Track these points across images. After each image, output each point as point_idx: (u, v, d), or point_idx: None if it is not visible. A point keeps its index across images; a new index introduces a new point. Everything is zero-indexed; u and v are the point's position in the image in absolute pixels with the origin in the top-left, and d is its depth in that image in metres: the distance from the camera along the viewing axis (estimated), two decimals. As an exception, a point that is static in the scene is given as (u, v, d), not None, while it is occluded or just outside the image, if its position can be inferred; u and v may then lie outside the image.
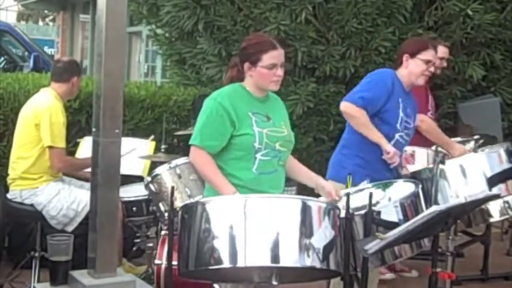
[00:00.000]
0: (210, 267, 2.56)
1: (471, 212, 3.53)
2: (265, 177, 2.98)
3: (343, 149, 3.81)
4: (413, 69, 3.72)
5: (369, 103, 3.61)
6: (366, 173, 3.57)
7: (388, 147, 3.57)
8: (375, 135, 3.61)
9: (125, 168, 4.21)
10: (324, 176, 3.92)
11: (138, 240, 4.71)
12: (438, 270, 2.94)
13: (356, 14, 6.04)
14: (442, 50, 4.89)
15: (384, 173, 3.62)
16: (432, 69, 3.77)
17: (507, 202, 3.62)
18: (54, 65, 4.65)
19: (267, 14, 6.02)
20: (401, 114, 3.67)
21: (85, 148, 4.78)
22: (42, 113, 4.18)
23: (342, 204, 2.87)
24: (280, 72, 2.98)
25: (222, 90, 3.05)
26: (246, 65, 3.00)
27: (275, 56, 2.97)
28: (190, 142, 3.02)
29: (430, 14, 6.29)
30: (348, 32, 6.11)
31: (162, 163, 4.31)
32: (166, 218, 4.02)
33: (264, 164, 2.98)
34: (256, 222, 2.52)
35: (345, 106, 3.66)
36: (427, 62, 3.72)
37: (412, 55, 3.72)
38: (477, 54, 6.48)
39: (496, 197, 3.35)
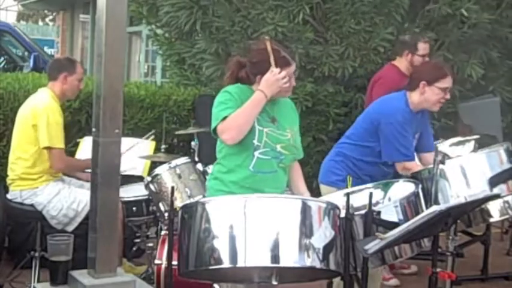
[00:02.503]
0: (210, 267, 2.56)
1: (471, 212, 3.53)
2: (262, 176, 2.99)
3: (337, 156, 3.85)
4: (429, 97, 3.68)
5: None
6: (354, 181, 3.59)
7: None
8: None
9: (125, 168, 4.21)
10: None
11: (138, 240, 4.71)
12: (438, 270, 2.94)
13: (353, 13, 6.04)
14: (423, 47, 4.90)
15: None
16: (448, 96, 3.73)
17: (507, 202, 3.61)
18: (49, 64, 4.66)
19: (264, 15, 6.02)
20: None
21: (85, 148, 4.78)
22: (40, 113, 4.16)
23: (342, 204, 2.87)
24: (292, 82, 3.03)
25: (231, 86, 3.07)
26: (259, 77, 3.01)
27: (288, 70, 3.00)
28: (212, 127, 2.97)
29: (424, 13, 6.28)
30: (346, 32, 6.11)
31: (162, 163, 4.31)
32: (166, 218, 4.02)
33: (262, 162, 2.98)
34: (256, 222, 2.52)
35: (411, 166, 3.65)
36: (445, 89, 3.68)
37: (430, 83, 3.66)
38: (474, 53, 6.48)
39: (496, 197, 3.34)
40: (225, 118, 2.92)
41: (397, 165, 3.70)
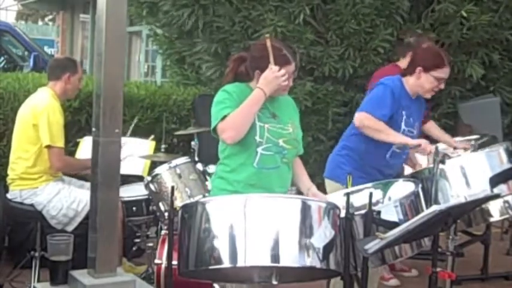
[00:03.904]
0: (210, 267, 2.56)
1: (471, 211, 3.53)
2: (266, 172, 2.99)
3: (342, 150, 3.83)
4: (423, 84, 3.68)
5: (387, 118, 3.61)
6: (360, 175, 3.59)
7: (414, 142, 3.55)
8: (398, 138, 3.57)
9: (125, 168, 4.21)
10: (322, 174, 3.95)
11: (138, 240, 4.71)
12: (438, 269, 2.94)
13: (354, 14, 6.05)
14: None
15: (377, 177, 3.65)
16: (442, 86, 3.74)
17: (507, 202, 3.62)
18: (49, 63, 4.65)
19: (264, 16, 6.02)
20: (403, 126, 3.67)
21: (85, 148, 4.78)
22: (40, 112, 4.17)
23: (342, 204, 2.87)
24: (290, 82, 3.02)
25: (229, 85, 3.07)
26: (257, 72, 3.01)
27: (287, 70, 2.99)
28: (212, 127, 2.97)
29: (427, 15, 6.28)
30: (346, 33, 6.12)
31: (162, 163, 4.31)
32: (166, 217, 4.02)
33: (265, 158, 2.98)
34: (256, 222, 2.52)
35: (364, 118, 3.58)
36: (440, 79, 3.69)
37: (426, 70, 3.66)
38: (475, 54, 6.49)
39: (496, 196, 3.35)
40: (224, 117, 2.92)
41: (357, 115, 3.63)
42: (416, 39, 5.10)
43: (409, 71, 3.75)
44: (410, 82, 3.72)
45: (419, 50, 3.95)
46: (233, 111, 2.91)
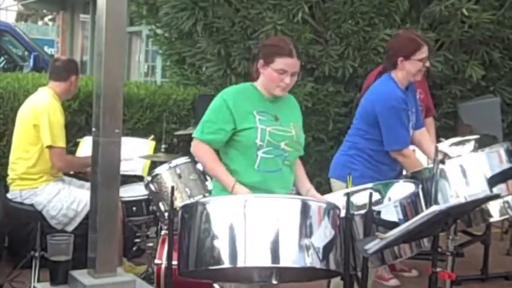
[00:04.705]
0: (210, 267, 2.56)
1: (471, 212, 3.53)
2: (268, 176, 2.99)
3: (350, 149, 3.80)
4: (410, 70, 3.69)
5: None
6: (372, 174, 3.59)
7: None
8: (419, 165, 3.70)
9: (125, 168, 4.21)
10: (322, 174, 3.93)
11: (138, 240, 4.71)
12: (438, 270, 2.94)
13: (353, 13, 6.04)
14: None
15: (388, 173, 3.65)
16: (428, 64, 3.75)
17: (507, 202, 3.61)
18: (52, 63, 4.63)
19: (263, 14, 6.02)
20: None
21: (85, 148, 4.79)
22: (41, 113, 4.17)
23: (342, 204, 2.87)
24: (287, 80, 3.00)
25: (231, 88, 3.09)
26: (261, 61, 3.02)
27: (288, 63, 2.98)
28: (193, 135, 3.06)
29: (425, 14, 6.27)
30: (345, 32, 6.11)
31: (162, 163, 4.31)
32: (166, 217, 4.02)
33: (266, 161, 2.98)
34: (256, 223, 2.52)
35: (407, 153, 3.70)
36: (423, 59, 3.70)
37: (407, 57, 3.66)
38: (476, 53, 6.48)
39: (497, 197, 3.34)
40: (203, 140, 3.00)
41: (392, 152, 3.70)
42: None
43: (390, 64, 3.75)
44: (399, 76, 3.72)
45: (392, 42, 3.93)
46: (207, 158, 3.00)
